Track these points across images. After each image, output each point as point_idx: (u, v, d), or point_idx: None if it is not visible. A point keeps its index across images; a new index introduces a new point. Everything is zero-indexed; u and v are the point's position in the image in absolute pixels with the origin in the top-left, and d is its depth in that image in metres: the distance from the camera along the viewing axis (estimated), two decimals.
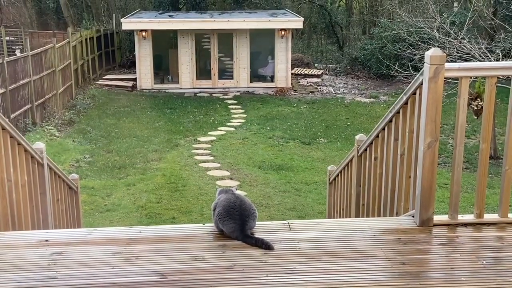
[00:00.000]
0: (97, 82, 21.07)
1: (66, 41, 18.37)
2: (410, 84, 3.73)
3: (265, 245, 3.16)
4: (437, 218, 3.53)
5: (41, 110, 15.45)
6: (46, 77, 15.87)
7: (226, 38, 20.58)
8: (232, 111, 17.74)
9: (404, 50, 15.16)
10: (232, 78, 20.76)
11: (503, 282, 2.82)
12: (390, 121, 4.20)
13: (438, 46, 10.80)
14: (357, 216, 5.29)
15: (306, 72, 23.31)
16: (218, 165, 12.48)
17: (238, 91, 20.36)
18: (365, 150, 5.02)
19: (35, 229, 4.57)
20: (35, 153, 4.76)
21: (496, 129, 13.51)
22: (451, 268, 2.99)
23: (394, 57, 19.42)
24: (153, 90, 20.21)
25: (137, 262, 3.05)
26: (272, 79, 20.89)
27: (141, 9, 25.28)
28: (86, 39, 20.77)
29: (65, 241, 3.35)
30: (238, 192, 3.49)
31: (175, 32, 20.49)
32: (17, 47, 27.72)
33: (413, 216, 3.59)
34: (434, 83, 3.31)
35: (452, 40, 13.21)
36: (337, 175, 6.53)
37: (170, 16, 21.32)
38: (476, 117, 11.88)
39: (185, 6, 25.49)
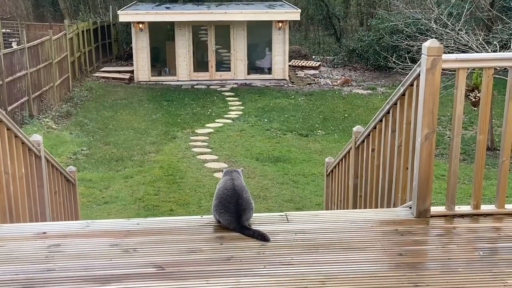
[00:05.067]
0: (94, 75, 21.01)
1: (62, 33, 18.30)
2: (408, 75, 3.73)
3: (261, 237, 3.17)
4: (434, 209, 3.54)
5: (38, 102, 15.41)
6: (42, 70, 15.81)
7: (223, 30, 20.52)
8: (229, 103, 17.72)
9: (402, 42, 15.15)
10: (230, 70, 20.72)
11: (499, 273, 2.83)
12: (388, 112, 4.20)
13: (435, 38, 10.79)
14: (354, 207, 5.30)
15: (303, 64, 23.26)
16: (216, 157, 12.48)
17: (235, 83, 20.32)
18: (363, 141, 5.02)
19: (33, 222, 4.58)
20: (32, 146, 4.76)
21: (493, 120, 13.52)
22: (448, 259, 3.00)
23: (391, 49, 19.39)
24: (150, 83, 20.16)
25: (135, 254, 3.05)
26: (269, 71, 20.86)
27: (137, 1, 25.17)
28: (82, 31, 20.69)
29: (62, 233, 3.36)
30: (240, 180, 3.48)
31: (172, 24, 20.42)
32: (13, 39, 27.62)
33: (410, 207, 3.60)
34: (431, 75, 3.31)
35: (449, 31, 13.20)
36: (335, 167, 6.54)
37: (167, 8, 21.25)
38: (474, 108, 11.90)
39: None
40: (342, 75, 22.23)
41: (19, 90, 14.28)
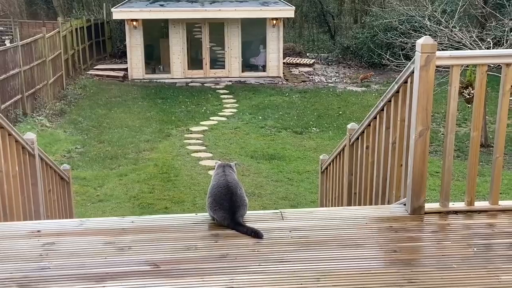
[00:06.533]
0: (88, 72, 20.94)
1: (56, 31, 18.22)
2: (402, 72, 3.73)
3: (254, 233, 3.18)
4: (428, 206, 3.55)
5: (31, 100, 15.35)
6: (36, 68, 15.75)
7: (217, 27, 20.50)
8: (224, 100, 17.71)
9: (396, 39, 15.17)
10: (224, 68, 20.70)
11: (493, 269, 2.84)
12: (382, 110, 4.21)
13: (429, 35, 10.81)
14: (349, 204, 5.31)
15: (297, 62, 23.27)
16: (210, 154, 12.48)
17: (229, 81, 20.31)
18: (357, 139, 5.03)
19: (27, 220, 4.56)
20: (26, 144, 4.74)
21: (487, 117, 13.57)
22: (443, 255, 3.01)
23: (385, 46, 19.43)
24: (145, 80, 20.12)
25: (129, 252, 3.05)
26: (264, 68, 20.85)
27: None
28: (76, 29, 20.61)
29: (57, 232, 3.35)
30: (234, 176, 3.49)
31: (166, 21, 20.37)
32: (6, 37, 27.49)
33: (405, 204, 3.61)
34: (425, 72, 3.31)
35: (443, 28, 13.23)
36: (329, 164, 6.55)
37: (161, 5, 21.17)
38: (468, 105, 11.95)
39: None
40: (336, 72, 22.26)
41: (13, 88, 14.22)
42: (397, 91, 3.87)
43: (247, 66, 20.96)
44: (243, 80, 20.47)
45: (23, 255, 3.03)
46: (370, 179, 4.55)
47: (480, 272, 2.82)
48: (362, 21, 26.37)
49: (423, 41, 3.30)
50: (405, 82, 3.69)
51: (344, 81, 20.85)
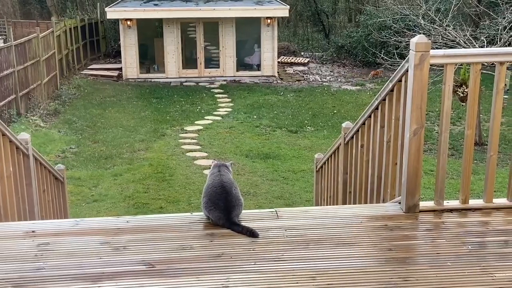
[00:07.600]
0: (82, 72, 20.89)
1: (50, 30, 18.17)
2: (396, 71, 3.74)
3: (250, 233, 3.18)
4: (423, 204, 3.56)
5: (25, 100, 15.30)
6: (30, 67, 15.70)
7: (212, 26, 20.49)
8: (218, 100, 17.70)
9: (390, 38, 15.20)
10: (219, 67, 20.69)
11: (487, 267, 2.86)
12: (376, 108, 4.22)
13: (423, 33, 10.84)
14: (344, 203, 5.32)
15: (292, 61, 23.28)
16: (205, 154, 12.47)
17: (224, 80, 20.30)
18: (352, 137, 5.04)
19: (21, 220, 4.55)
20: (20, 144, 4.72)
21: (481, 115, 13.61)
22: (437, 253, 3.02)
23: (380, 45, 19.45)
24: (139, 80, 20.09)
25: (124, 252, 3.05)
26: (258, 67, 20.85)
27: None
28: (70, 29, 20.55)
29: (52, 232, 3.34)
30: (229, 176, 3.49)
31: (160, 21, 20.35)
32: (0, 37, 27.39)
33: (400, 203, 3.61)
34: (419, 70, 3.32)
35: (437, 27, 13.26)
36: (324, 163, 6.56)
37: (155, 4, 21.14)
38: (462, 104, 11.99)
39: None
40: (330, 71, 22.28)
41: (6, 88, 14.16)
42: (392, 90, 3.87)
43: (241, 65, 20.96)
44: (237, 79, 20.46)
45: (18, 256, 3.02)
46: (365, 178, 4.55)
47: (474, 270, 2.83)
48: (357, 20, 26.39)
49: (417, 39, 3.31)
50: (400, 80, 3.70)
51: (339, 80, 20.87)
